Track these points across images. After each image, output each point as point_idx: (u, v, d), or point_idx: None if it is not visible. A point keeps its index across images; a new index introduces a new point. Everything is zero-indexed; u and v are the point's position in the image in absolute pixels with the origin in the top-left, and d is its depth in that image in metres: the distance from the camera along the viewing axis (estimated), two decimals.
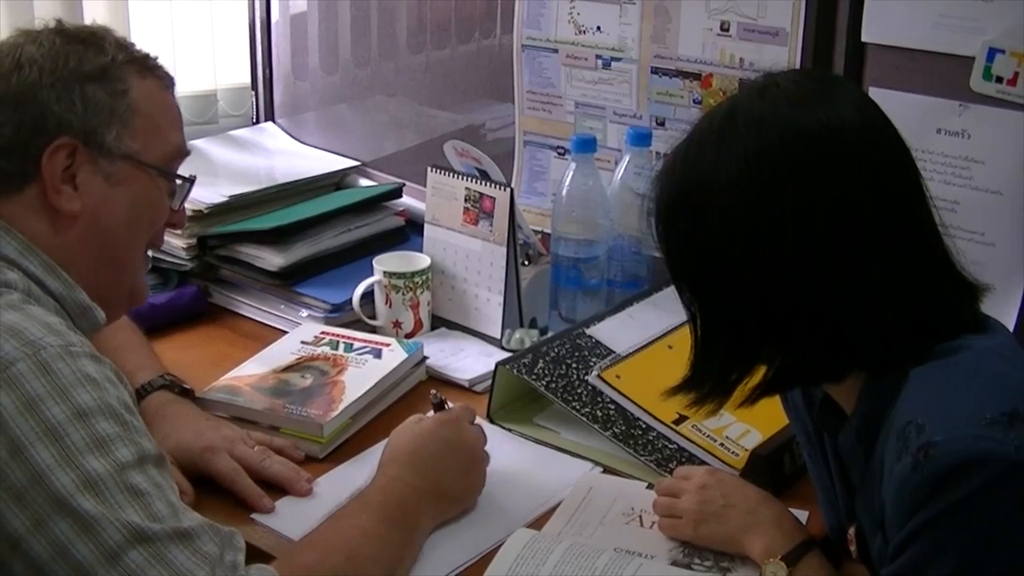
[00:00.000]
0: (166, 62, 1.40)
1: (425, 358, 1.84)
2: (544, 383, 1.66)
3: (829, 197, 1.11)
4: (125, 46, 1.34)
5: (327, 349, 1.81)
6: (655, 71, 1.98)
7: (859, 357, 1.16)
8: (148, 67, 1.35)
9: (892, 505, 1.08)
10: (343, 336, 1.85)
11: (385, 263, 1.95)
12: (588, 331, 1.79)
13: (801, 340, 1.15)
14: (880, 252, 1.12)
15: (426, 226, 2.02)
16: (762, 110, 1.14)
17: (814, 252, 1.11)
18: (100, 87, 1.29)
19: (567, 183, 1.93)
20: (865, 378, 1.17)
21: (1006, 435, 1.02)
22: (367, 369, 1.75)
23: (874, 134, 1.15)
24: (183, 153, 1.40)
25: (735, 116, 1.15)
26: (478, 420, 1.58)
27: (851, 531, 1.26)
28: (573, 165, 1.94)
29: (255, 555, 1.20)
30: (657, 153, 1.99)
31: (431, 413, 1.56)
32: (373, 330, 1.92)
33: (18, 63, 1.28)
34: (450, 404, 1.58)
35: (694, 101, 1.94)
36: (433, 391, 1.61)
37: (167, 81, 1.38)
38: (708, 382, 1.21)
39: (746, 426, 1.62)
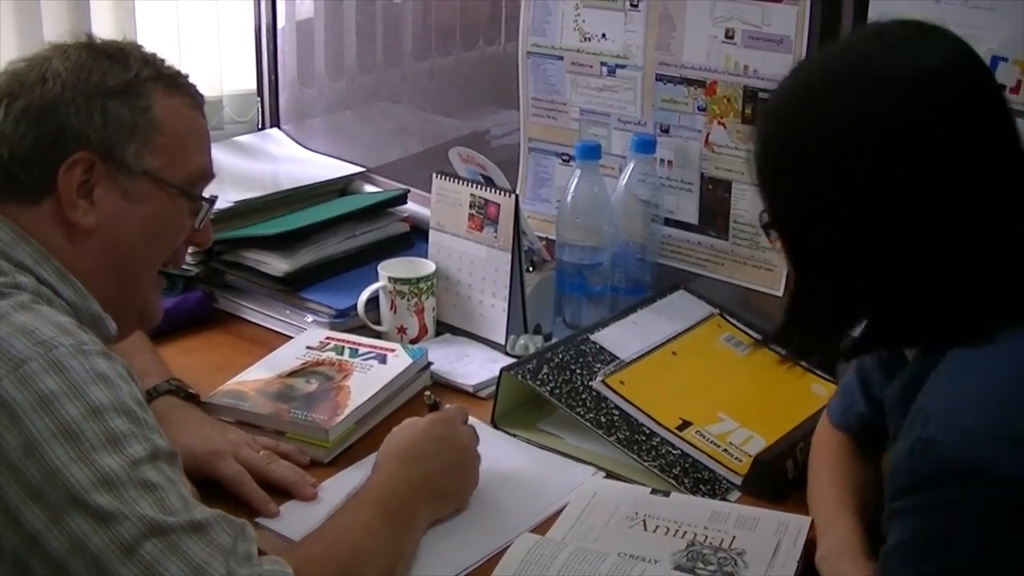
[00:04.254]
0: None
1: (430, 364, 1.84)
2: (548, 389, 1.66)
3: (938, 157, 1.09)
4: (153, 62, 1.34)
5: (332, 354, 1.82)
6: (660, 78, 1.98)
7: (950, 322, 1.13)
8: (176, 85, 1.35)
9: (888, 476, 1.11)
10: (348, 341, 1.85)
11: (390, 269, 1.96)
12: (592, 337, 1.79)
13: (898, 300, 1.14)
14: (983, 213, 1.10)
15: (431, 232, 2.03)
16: (871, 59, 1.13)
17: (915, 210, 1.10)
18: (121, 103, 1.29)
19: (572, 190, 1.94)
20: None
21: (1006, 453, 1.01)
22: (372, 374, 1.75)
23: (981, 81, 1.15)
24: (207, 174, 1.39)
25: (852, 66, 1.13)
26: (474, 421, 1.60)
27: None
28: (578, 172, 1.94)
29: None
30: (661, 160, 1.99)
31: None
32: (378, 335, 1.93)
33: (43, 77, 1.28)
34: (447, 406, 1.59)
35: (698, 108, 1.94)
36: (427, 392, 1.62)
37: (197, 100, 1.37)
38: (799, 334, 1.22)
39: (749, 432, 1.62)
